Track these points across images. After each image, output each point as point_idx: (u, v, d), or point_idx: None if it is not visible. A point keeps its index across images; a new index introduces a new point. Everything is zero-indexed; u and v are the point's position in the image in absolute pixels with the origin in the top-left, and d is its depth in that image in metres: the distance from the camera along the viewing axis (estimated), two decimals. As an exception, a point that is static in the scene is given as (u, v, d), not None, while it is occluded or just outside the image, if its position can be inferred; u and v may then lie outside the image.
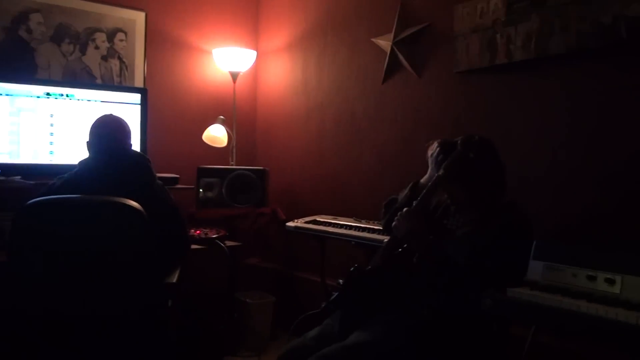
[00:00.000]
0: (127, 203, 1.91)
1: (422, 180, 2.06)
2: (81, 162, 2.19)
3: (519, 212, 1.85)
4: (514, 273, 1.67)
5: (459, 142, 1.90)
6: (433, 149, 2.00)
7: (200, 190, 3.27)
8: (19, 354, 2.02)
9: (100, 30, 3.36)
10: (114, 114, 2.36)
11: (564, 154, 2.27)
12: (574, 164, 2.24)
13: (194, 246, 2.76)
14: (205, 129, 3.54)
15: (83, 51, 3.30)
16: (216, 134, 3.52)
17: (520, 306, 1.51)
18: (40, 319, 1.96)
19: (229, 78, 3.66)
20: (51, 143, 2.90)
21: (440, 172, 1.87)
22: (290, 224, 2.93)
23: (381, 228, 2.54)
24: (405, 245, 1.87)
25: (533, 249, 1.68)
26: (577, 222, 2.22)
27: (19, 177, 2.76)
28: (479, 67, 2.55)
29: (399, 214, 1.87)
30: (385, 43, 3.00)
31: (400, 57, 2.93)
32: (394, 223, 1.88)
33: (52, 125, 2.90)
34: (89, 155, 2.24)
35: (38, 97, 2.86)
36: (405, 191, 2.07)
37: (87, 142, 2.27)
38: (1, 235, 2.53)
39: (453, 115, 2.71)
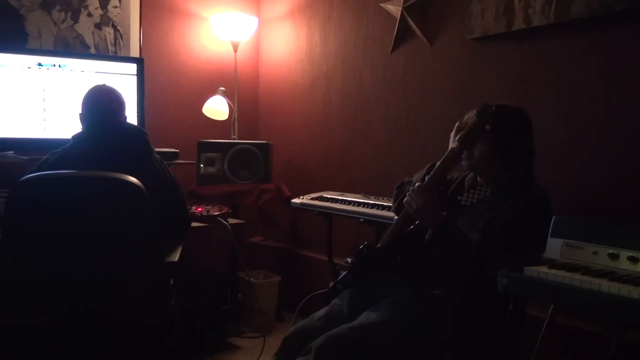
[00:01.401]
0: (125, 179, 1.87)
1: (438, 163, 1.97)
2: (75, 137, 2.12)
3: (536, 187, 1.79)
4: (531, 251, 1.62)
5: (475, 111, 1.78)
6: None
7: (201, 165, 3.24)
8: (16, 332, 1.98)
9: (93, -4, 3.24)
10: (107, 84, 2.27)
11: (585, 125, 2.21)
12: (596, 135, 2.18)
13: (195, 224, 2.72)
14: (205, 101, 3.46)
15: (75, 19, 3.19)
16: (217, 107, 3.45)
17: (538, 285, 1.46)
18: (37, 296, 1.92)
19: (230, 47, 3.56)
20: (44, 118, 2.80)
21: (455, 145, 1.78)
22: (295, 200, 2.88)
23: (391, 204, 2.47)
24: (417, 222, 1.80)
25: (551, 225, 1.63)
26: (598, 198, 2.18)
27: (12, 152, 2.69)
28: (494, 33, 2.46)
29: (410, 189, 1.79)
30: (394, 8, 2.89)
31: (411, 23, 2.82)
32: (405, 199, 1.79)
33: (44, 98, 2.80)
34: (83, 129, 2.17)
35: (29, 67, 2.76)
36: (422, 171, 1.98)
37: (80, 114, 2.20)
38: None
39: (467, 85, 2.64)
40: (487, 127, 1.75)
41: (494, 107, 1.76)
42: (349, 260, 1.93)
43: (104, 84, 2.27)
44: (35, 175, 1.87)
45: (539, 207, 1.72)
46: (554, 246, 1.59)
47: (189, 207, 2.77)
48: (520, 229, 1.68)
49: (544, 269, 1.46)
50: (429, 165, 1.99)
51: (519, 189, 1.76)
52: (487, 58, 2.53)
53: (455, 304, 1.71)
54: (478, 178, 1.89)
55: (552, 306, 1.90)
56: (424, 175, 1.93)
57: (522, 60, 2.40)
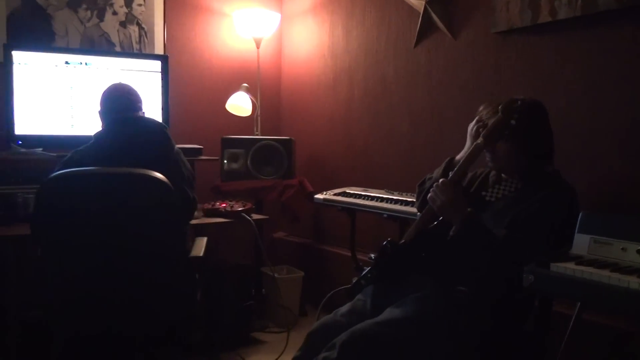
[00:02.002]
0: (151, 174, 1.89)
1: (457, 157, 1.97)
2: (96, 134, 2.14)
3: (563, 181, 1.77)
4: (557, 247, 1.59)
5: (500, 107, 1.76)
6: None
7: (225, 161, 3.25)
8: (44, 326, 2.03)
9: (118, -6, 3.28)
10: (123, 82, 2.30)
11: (613, 119, 2.16)
12: (624, 129, 2.12)
13: (219, 220, 2.73)
14: (229, 97, 3.47)
15: (101, 17, 3.23)
16: (240, 103, 3.46)
17: (565, 282, 1.44)
18: (64, 290, 1.96)
19: (253, 43, 3.57)
20: (71, 115, 2.84)
21: (479, 140, 1.76)
22: (318, 196, 2.87)
23: (414, 200, 2.46)
24: (441, 218, 1.79)
25: (579, 221, 1.60)
26: (627, 193, 2.12)
27: (41, 149, 2.73)
28: (519, 26, 2.42)
29: (434, 185, 1.78)
30: (417, 2, 2.86)
31: (434, 17, 2.79)
32: (429, 195, 1.78)
33: (71, 96, 2.83)
34: (103, 126, 2.20)
35: (56, 66, 2.80)
36: (441, 167, 1.97)
37: (99, 112, 2.23)
38: (25, 208, 2.52)
39: (491, 80, 2.59)
40: (512, 122, 1.72)
41: (519, 102, 1.74)
42: (372, 256, 1.93)
43: (119, 82, 2.30)
44: (63, 172, 1.89)
45: (565, 202, 1.70)
46: (582, 242, 1.57)
47: (213, 203, 2.81)
48: (546, 224, 1.66)
49: (571, 266, 1.44)
50: (447, 160, 1.97)
51: (544, 183, 1.74)
52: (512, 52, 2.49)
53: (480, 300, 1.69)
54: (503, 173, 1.87)
55: (579, 303, 1.86)
56: (443, 170, 1.93)
57: (548, 54, 2.35)
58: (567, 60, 2.28)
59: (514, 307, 1.72)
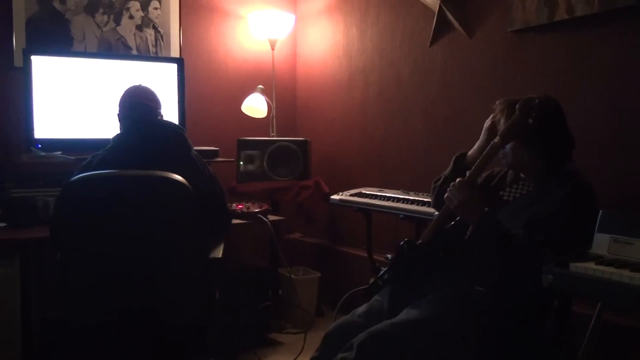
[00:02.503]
0: (170, 177, 1.90)
1: (469, 152, 1.96)
2: (115, 137, 2.15)
3: (582, 180, 1.74)
4: (577, 247, 1.57)
5: (517, 106, 1.75)
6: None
7: (241, 163, 3.26)
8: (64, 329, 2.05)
9: (134, -2, 3.31)
10: (143, 84, 2.31)
11: (632, 117, 2.13)
12: None
13: (236, 221, 2.74)
14: (244, 99, 3.48)
15: (117, 21, 3.26)
16: (255, 104, 3.47)
17: (585, 282, 1.43)
18: (84, 293, 1.97)
19: (267, 45, 3.57)
20: (89, 119, 2.86)
21: (496, 139, 1.75)
22: (334, 196, 2.87)
23: (430, 200, 2.45)
24: (457, 218, 1.78)
25: (598, 220, 1.58)
26: None
27: (60, 152, 2.76)
28: (536, 24, 2.40)
29: (451, 184, 1.77)
30: (432, 1, 2.86)
31: (449, 16, 2.77)
32: (445, 195, 1.77)
33: (89, 98, 2.86)
34: (122, 129, 2.21)
35: (74, 70, 2.82)
36: (450, 164, 1.96)
37: (118, 115, 2.24)
38: (45, 211, 2.55)
39: (508, 78, 2.58)
40: (530, 121, 1.71)
41: (536, 101, 1.73)
42: (389, 256, 1.92)
43: (139, 84, 2.30)
44: (83, 176, 1.90)
45: (584, 201, 1.68)
46: (601, 242, 1.55)
47: (229, 204, 2.81)
48: (564, 223, 1.64)
49: (590, 265, 1.43)
50: (455, 156, 1.96)
51: (563, 182, 1.72)
52: (529, 50, 2.47)
53: (498, 301, 1.68)
54: (521, 173, 1.85)
55: (599, 303, 1.85)
56: (453, 166, 1.93)
57: (566, 52, 2.33)
58: (585, 58, 2.26)
59: (532, 308, 1.70)
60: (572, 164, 1.79)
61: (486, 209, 1.69)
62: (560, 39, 2.34)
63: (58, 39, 3.09)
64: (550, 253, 1.55)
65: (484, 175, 1.95)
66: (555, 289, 1.50)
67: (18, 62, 2.89)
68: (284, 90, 3.85)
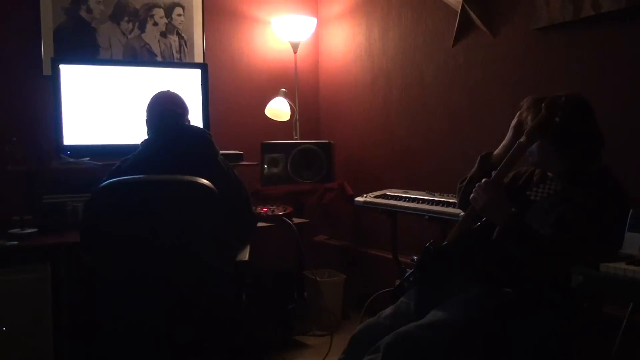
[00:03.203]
0: (198, 181, 1.92)
1: (495, 152, 1.94)
2: (143, 143, 2.18)
3: (612, 179, 1.71)
4: (607, 247, 1.54)
5: (543, 104, 1.73)
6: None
7: (265, 166, 3.27)
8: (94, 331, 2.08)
9: (158, 5, 3.35)
10: (170, 89, 2.33)
11: None
12: None
13: (261, 224, 2.75)
14: (268, 102, 3.50)
15: (142, 28, 3.31)
16: (279, 107, 3.48)
17: (615, 283, 1.40)
18: (113, 296, 2.00)
19: (290, 48, 3.59)
20: (116, 125, 2.91)
21: (522, 138, 1.72)
22: (359, 199, 2.86)
23: (455, 201, 2.43)
24: (484, 219, 1.76)
25: (629, 219, 1.54)
26: None
27: (88, 158, 2.80)
28: (561, 21, 2.36)
29: (477, 185, 1.75)
30: (455, 1, 2.84)
31: (473, 15, 2.75)
32: (471, 195, 1.76)
33: (115, 105, 2.90)
34: (150, 135, 2.24)
35: (101, 77, 2.87)
36: (475, 165, 1.94)
37: (146, 120, 2.26)
38: (74, 216, 2.60)
39: (533, 77, 2.54)
40: (556, 119, 1.69)
41: (563, 99, 1.70)
42: (415, 258, 1.91)
43: (167, 90, 2.33)
44: (113, 181, 1.93)
45: (614, 200, 1.64)
46: (633, 241, 1.51)
47: (254, 207, 2.83)
48: (594, 223, 1.61)
49: (621, 265, 1.40)
50: (481, 155, 1.94)
51: (591, 182, 1.69)
52: (554, 48, 2.43)
53: (526, 302, 1.66)
54: (548, 172, 1.83)
55: (631, 304, 1.81)
56: (479, 165, 1.91)
57: (592, 49, 2.29)
58: (613, 54, 2.22)
59: (561, 309, 1.68)
60: (601, 163, 1.75)
61: (513, 209, 1.67)
62: (586, 36, 2.30)
63: (85, 48, 3.15)
64: (580, 253, 1.52)
65: (510, 174, 1.93)
66: (585, 290, 1.47)
67: (47, 70, 2.95)
68: (306, 93, 3.86)
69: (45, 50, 3.03)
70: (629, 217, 1.55)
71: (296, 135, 3.60)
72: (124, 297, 1.97)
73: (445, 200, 2.52)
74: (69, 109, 2.81)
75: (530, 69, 2.55)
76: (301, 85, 3.71)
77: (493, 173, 1.77)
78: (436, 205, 2.51)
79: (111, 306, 2.01)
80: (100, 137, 2.88)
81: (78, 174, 2.74)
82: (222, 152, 2.30)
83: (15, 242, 2.38)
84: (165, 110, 2.24)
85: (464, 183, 2.02)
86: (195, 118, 2.98)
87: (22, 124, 2.93)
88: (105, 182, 1.94)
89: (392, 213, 2.76)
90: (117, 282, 1.98)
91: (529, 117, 1.77)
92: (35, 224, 2.54)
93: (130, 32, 3.28)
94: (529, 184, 1.88)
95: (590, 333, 1.73)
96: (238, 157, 3.05)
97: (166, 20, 3.37)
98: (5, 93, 2.93)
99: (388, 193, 2.82)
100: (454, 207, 2.40)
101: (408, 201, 2.64)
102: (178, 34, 3.41)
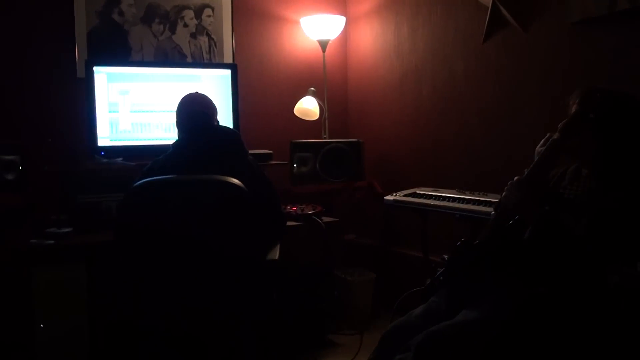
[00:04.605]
0: (230, 181, 1.93)
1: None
2: (174, 144, 2.21)
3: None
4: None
5: (577, 99, 1.69)
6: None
7: (295, 165, 3.27)
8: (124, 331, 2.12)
9: (188, 7, 3.39)
10: (199, 91, 2.37)
11: None
12: None
13: (290, 223, 2.76)
14: (297, 102, 3.50)
15: (173, 30, 3.35)
16: (308, 107, 3.48)
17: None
18: (145, 296, 2.02)
19: (318, 47, 3.58)
20: (147, 125, 2.95)
21: (556, 135, 1.69)
22: (388, 197, 2.84)
23: (487, 199, 2.40)
24: (516, 217, 1.73)
25: None
26: None
27: (121, 158, 2.85)
28: (596, 15, 2.32)
29: (509, 183, 1.73)
30: (485, -3, 2.78)
31: (504, 10, 2.71)
32: (503, 194, 1.72)
33: (147, 106, 2.95)
34: (180, 136, 2.28)
35: (132, 79, 2.92)
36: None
37: (177, 122, 2.30)
38: (108, 214, 2.65)
39: (566, 73, 2.49)
40: (591, 115, 1.65)
41: (598, 94, 1.66)
42: (445, 256, 1.89)
43: (196, 92, 2.37)
44: (146, 181, 1.96)
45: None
46: (671, 239, 1.48)
47: (283, 206, 2.84)
48: (630, 221, 1.57)
49: (660, 265, 1.38)
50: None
51: (628, 180, 1.65)
52: (589, 43, 2.38)
53: (561, 302, 1.62)
54: (582, 169, 1.79)
55: (671, 304, 1.77)
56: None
57: (628, 43, 2.23)
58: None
59: (598, 309, 1.63)
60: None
61: (546, 207, 1.64)
62: (622, 30, 2.25)
63: (117, 50, 3.20)
64: (615, 252, 1.49)
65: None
66: (622, 289, 1.45)
67: (81, 73, 3.01)
68: (335, 92, 3.85)
69: (80, 53, 3.09)
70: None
71: (325, 134, 3.60)
72: (156, 297, 2.00)
73: (476, 198, 2.49)
74: (103, 110, 2.86)
75: (563, 65, 2.50)
76: (330, 84, 3.71)
77: (526, 171, 1.74)
78: (467, 203, 2.48)
79: (143, 305, 2.03)
80: (134, 138, 2.93)
81: (112, 174, 2.79)
82: (251, 151, 2.32)
83: (52, 241, 2.43)
84: (194, 112, 2.27)
85: None
86: (225, 118, 3.01)
87: (57, 125, 2.99)
88: (138, 182, 1.97)
89: (422, 212, 2.74)
90: (149, 281, 2.00)
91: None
92: (70, 224, 2.59)
93: (162, 34, 3.32)
94: (562, 182, 1.84)
95: (628, 333, 1.68)
96: (267, 157, 3.07)
97: (196, 22, 3.41)
98: (41, 95, 3.00)
99: (418, 192, 2.79)
100: (484, 206, 2.37)
101: (438, 200, 2.62)
102: (208, 34, 3.45)
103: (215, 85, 3.03)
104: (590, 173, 1.76)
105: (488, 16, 2.79)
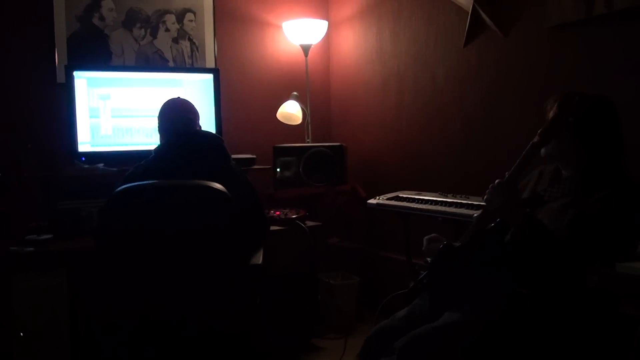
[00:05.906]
0: (212, 185, 1.94)
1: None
2: (156, 149, 2.21)
3: (628, 179, 1.68)
4: (622, 246, 1.54)
5: (557, 103, 1.71)
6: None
7: (277, 169, 3.26)
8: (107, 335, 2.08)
9: (169, 12, 3.38)
10: (181, 96, 2.37)
11: None
12: None
13: (274, 227, 2.76)
14: (279, 106, 3.50)
15: (154, 35, 3.34)
16: (290, 111, 3.49)
17: (632, 282, 1.39)
18: (126, 300, 2.01)
19: (301, 52, 3.59)
20: (128, 131, 2.92)
21: (535, 139, 1.70)
22: (371, 201, 2.84)
23: (469, 202, 2.42)
24: (498, 220, 1.75)
25: None
26: None
27: (102, 164, 2.83)
28: (573, 20, 2.34)
29: (490, 186, 1.74)
30: (465, 1, 2.82)
31: (483, 15, 2.73)
32: (485, 196, 1.73)
33: (128, 111, 2.92)
34: (162, 141, 2.28)
35: (113, 84, 2.90)
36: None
37: (158, 127, 2.29)
38: (89, 221, 2.62)
39: (546, 77, 2.51)
40: (571, 119, 1.67)
41: (577, 98, 1.68)
42: (428, 259, 1.90)
43: (178, 97, 2.36)
44: (128, 186, 1.95)
45: (630, 200, 1.62)
46: (648, 241, 1.50)
47: (267, 211, 2.83)
48: (609, 222, 1.59)
49: (637, 265, 1.39)
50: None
51: (607, 182, 1.67)
52: (567, 47, 2.40)
53: (542, 303, 1.64)
54: (562, 172, 1.81)
55: (648, 304, 1.80)
56: None
57: (606, 47, 2.26)
58: (627, 53, 2.19)
59: (576, 310, 1.66)
60: (621, 163, 1.73)
61: (527, 210, 1.66)
62: (599, 35, 2.27)
63: (98, 55, 3.18)
64: (595, 253, 1.51)
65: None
66: (600, 290, 1.46)
67: (61, 78, 2.98)
68: (318, 96, 3.86)
69: (59, 58, 3.06)
70: (645, 216, 1.54)
71: (308, 138, 3.61)
72: (136, 302, 1.98)
73: (458, 201, 2.50)
74: (83, 115, 2.83)
75: (543, 68, 2.52)
76: (312, 89, 3.72)
77: (507, 174, 1.76)
78: (449, 206, 2.49)
79: (123, 310, 2.01)
80: (114, 144, 2.91)
81: (92, 180, 2.76)
82: (234, 156, 2.32)
83: (32, 249, 2.40)
84: (176, 117, 2.27)
85: None
86: (207, 123, 3.00)
87: (37, 131, 2.96)
88: (119, 188, 1.96)
89: (405, 215, 2.75)
90: (129, 287, 1.99)
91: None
92: (50, 230, 2.56)
93: (143, 39, 3.31)
94: (543, 184, 1.86)
95: (606, 333, 1.70)
96: (250, 161, 3.06)
97: (178, 26, 3.40)
98: (20, 101, 2.96)
99: (400, 195, 2.80)
100: (466, 209, 2.39)
101: (421, 203, 2.63)
102: (190, 39, 3.44)
103: (197, 89, 3.02)
104: (571, 175, 1.78)
105: (468, 20, 2.81)
